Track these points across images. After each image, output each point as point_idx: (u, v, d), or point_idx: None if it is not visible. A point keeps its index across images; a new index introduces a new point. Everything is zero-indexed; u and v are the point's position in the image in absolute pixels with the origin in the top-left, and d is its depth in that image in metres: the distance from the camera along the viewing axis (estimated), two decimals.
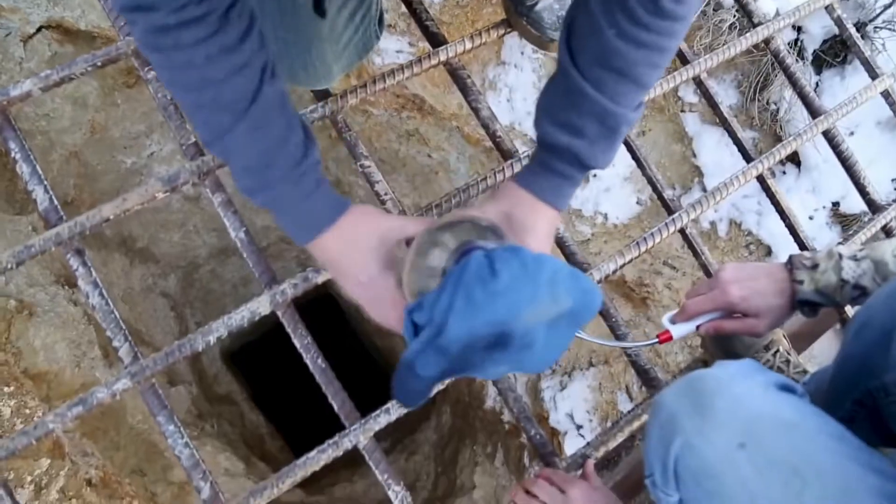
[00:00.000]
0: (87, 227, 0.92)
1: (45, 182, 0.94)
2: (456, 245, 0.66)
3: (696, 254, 1.22)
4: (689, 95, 2.09)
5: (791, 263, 0.92)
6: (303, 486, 2.55)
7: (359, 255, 0.70)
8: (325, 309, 3.18)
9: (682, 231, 1.21)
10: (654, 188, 1.23)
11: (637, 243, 1.14)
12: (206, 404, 2.35)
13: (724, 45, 1.39)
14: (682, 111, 2.11)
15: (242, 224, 0.97)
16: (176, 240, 2.48)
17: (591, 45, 0.68)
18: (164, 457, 1.97)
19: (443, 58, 1.13)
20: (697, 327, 0.94)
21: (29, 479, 1.49)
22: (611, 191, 2.10)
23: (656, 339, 0.95)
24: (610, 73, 0.68)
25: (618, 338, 1.14)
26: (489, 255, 0.61)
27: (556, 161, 0.71)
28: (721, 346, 1.18)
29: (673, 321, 0.96)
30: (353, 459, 2.74)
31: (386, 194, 1.03)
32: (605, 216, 2.09)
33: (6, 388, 1.56)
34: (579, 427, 2.07)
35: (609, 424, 1.09)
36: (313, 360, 0.95)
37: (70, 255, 0.92)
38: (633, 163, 2.03)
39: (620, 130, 0.71)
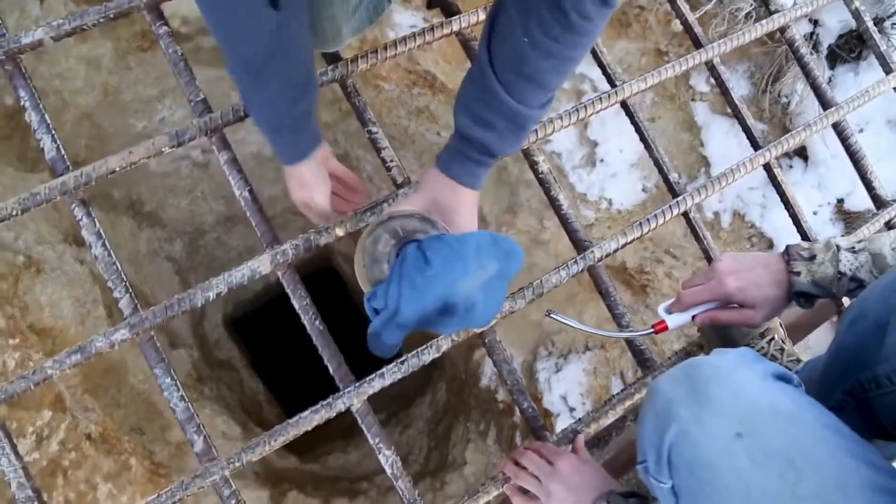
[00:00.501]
0: (93, 177, 0.91)
1: (53, 131, 0.93)
2: (402, 235, 0.78)
3: (698, 238, 1.21)
4: (701, 84, 2.06)
5: (788, 254, 0.91)
6: (298, 454, 2.57)
7: (311, 179, 0.92)
8: (328, 282, 3.18)
9: (685, 215, 1.19)
10: (661, 171, 1.22)
11: (640, 224, 1.13)
12: (207, 368, 2.36)
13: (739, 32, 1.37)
14: (693, 100, 2.09)
15: (247, 183, 0.96)
16: (183, 205, 2.48)
17: (506, 51, 0.74)
18: (163, 417, 1.98)
19: (455, 28, 1.11)
20: (693, 317, 0.93)
21: (31, 429, 1.50)
22: (617, 176, 2.09)
23: (652, 329, 0.94)
24: (520, 77, 0.75)
25: (615, 318, 1.13)
26: (420, 247, 0.74)
27: (470, 150, 0.80)
28: (718, 332, 1.17)
29: (669, 311, 0.95)
30: (348, 430, 2.75)
31: (392, 161, 1.02)
32: (610, 202, 2.08)
33: (11, 341, 1.57)
34: (572, 409, 2.07)
35: (602, 403, 1.09)
36: (311, 322, 0.94)
37: (75, 205, 0.91)
38: (640, 149, 2.01)
39: (527, 126, 0.80)
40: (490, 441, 2.34)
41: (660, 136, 2.08)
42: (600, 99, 1.18)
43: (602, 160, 2.08)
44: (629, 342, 1.10)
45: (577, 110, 1.15)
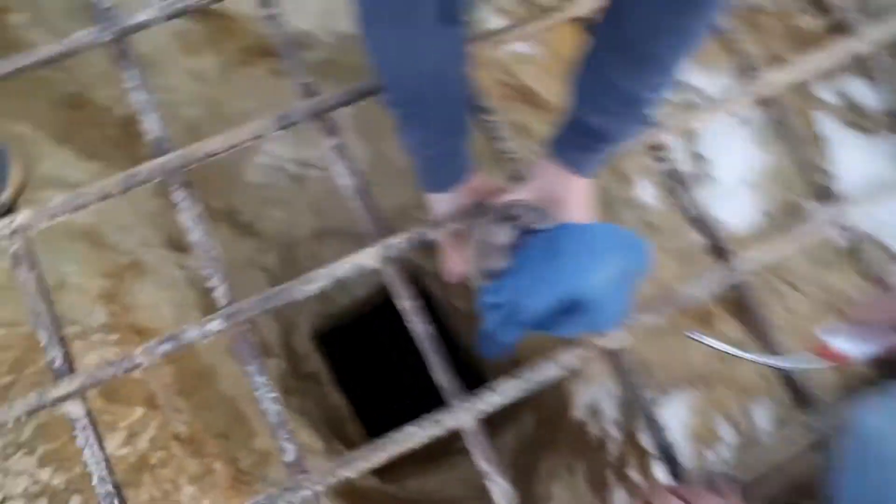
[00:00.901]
0: (195, 158, 0.84)
1: (158, 112, 0.87)
2: (518, 224, 0.70)
3: (856, 259, 1.00)
4: (825, 94, 1.83)
5: None
6: (379, 473, 2.45)
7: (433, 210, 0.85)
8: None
9: (838, 227, 1.00)
10: (806, 176, 1.03)
11: (789, 235, 0.95)
12: (293, 381, 2.30)
13: None
14: (816, 110, 1.86)
15: (354, 171, 0.86)
16: (278, 217, 2.46)
17: (622, 32, 0.67)
18: (249, 424, 1.91)
19: (575, 13, 0.98)
20: (878, 348, 0.73)
21: (123, 424, 1.45)
22: (730, 196, 1.87)
23: (826, 362, 0.74)
24: (635, 58, 0.68)
25: (762, 342, 0.94)
26: (548, 237, 0.67)
27: (585, 138, 0.74)
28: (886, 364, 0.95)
29: (839, 336, 0.75)
30: (430, 452, 2.61)
31: (512, 153, 0.89)
32: (725, 225, 1.86)
33: (112, 336, 1.54)
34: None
35: (744, 442, 0.90)
36: (420, 326, 0.82)
37: (176, 186, 0.84)
38: (759, 167, 1.79)
39: (643, 110, 0.72)
40: (580, 478, 2.13)
41: (776, 154, 1.86)
42: (736, 94, 1.01)
43: (713, 177, 1.87)
44: (783, 373, 0.91)
45: (713, 104, 0.99)
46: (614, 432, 1.99)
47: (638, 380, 0.85)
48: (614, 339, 0.81)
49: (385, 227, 0.85)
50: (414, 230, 0.84)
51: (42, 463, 1.29)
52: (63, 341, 0.79)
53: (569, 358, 0.81)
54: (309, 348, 2.63)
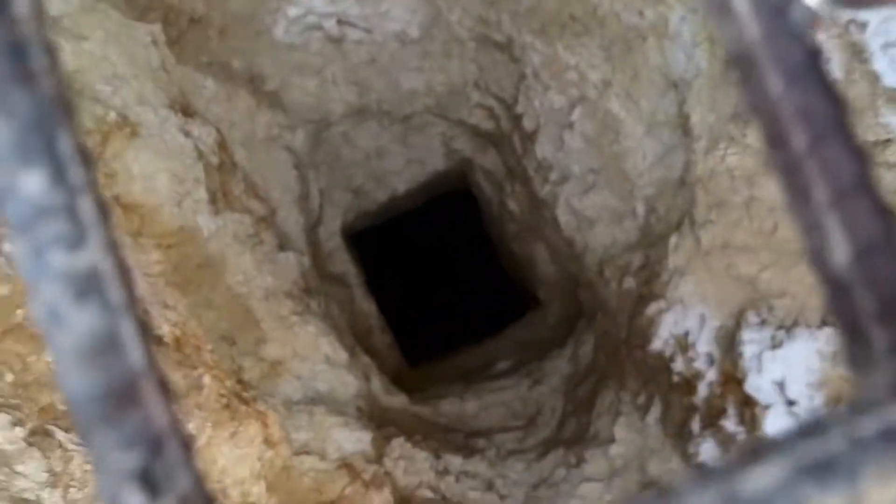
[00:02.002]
0: None
1: None
2: None
3: None
4: None
5: None
6: (408, 391, 2.07)
7: None
8: (463, 207, 2.60)
9: None
10: None
11: None
12: (317, 280, 1.87)
13: None
14: None
15: None
16: (310, 88, 1.95)
17: None
18: (259, 328, 1.50)
19: None
20: None
21: None
22: None
23: None
24: None
25: None
26: None
27: None
28: None
29: None
30: (467, 374, 2.18)
31: None
32: None
33: None
34: (791, 403, 1.38)
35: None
36: None
37: None
38: None
39: None
40: (651, 420, 1.70)
41: None
42: None
43: None
44: None
45: None
46: (708, 371, 1.54)
47: None
48: None
49: None
50: None
51: None
52: None
53: None
54: (336, 245, 2.19)
